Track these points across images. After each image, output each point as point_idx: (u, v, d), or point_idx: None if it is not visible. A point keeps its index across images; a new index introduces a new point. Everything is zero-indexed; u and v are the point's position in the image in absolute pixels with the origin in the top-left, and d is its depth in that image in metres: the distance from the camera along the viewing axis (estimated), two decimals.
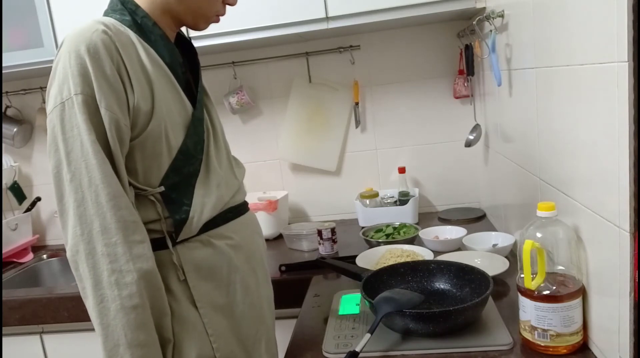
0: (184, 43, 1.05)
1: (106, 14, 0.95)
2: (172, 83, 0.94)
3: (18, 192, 2.14)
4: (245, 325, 1.01)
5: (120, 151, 0.85)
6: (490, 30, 1.35)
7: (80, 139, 0.82)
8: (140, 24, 0.92)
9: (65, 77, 0.84)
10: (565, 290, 0.88)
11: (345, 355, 0.92)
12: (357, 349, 0.92)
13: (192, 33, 1.58)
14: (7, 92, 2.08)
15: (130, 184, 0.89)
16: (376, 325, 0.95)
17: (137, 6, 0.93)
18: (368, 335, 0.94)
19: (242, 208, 1.06)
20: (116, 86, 0.84)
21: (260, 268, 1.08)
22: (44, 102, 2.07)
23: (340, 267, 1.35)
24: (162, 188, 0.91)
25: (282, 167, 2.04)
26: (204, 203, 0.95)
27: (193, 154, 0.95)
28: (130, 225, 0.84)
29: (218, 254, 0.97)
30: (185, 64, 1.00)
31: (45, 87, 2.18)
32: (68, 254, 0.86)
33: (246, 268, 1.02)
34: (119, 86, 0.84)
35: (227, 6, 1.01)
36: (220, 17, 1.02)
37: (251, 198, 1.90)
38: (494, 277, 1.11)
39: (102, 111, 0.83)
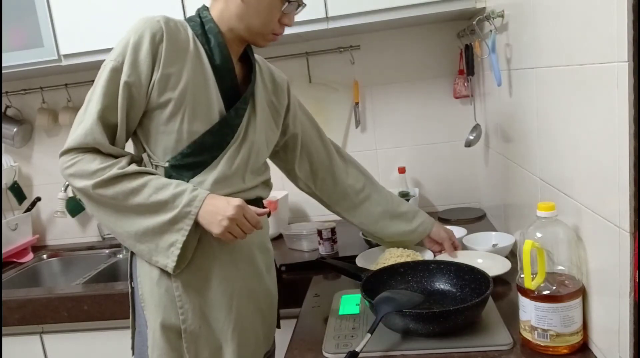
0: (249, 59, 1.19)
1: (187, 19, 1.12)
2: (207, 80, 1.07)
3: (18, 192, 2.14)
4: (216, 310, 1.10)
5: (127, 109, 1.03)
6: (490, 31, 1.35)
7: (96, 93, 1.03)
8: (206, 29, 1.08)
9: (115, 48, 1.04)
10: (565, 290, 0.88)
11: (345, 355, 0.92)
12: (357, 349, 0.92)
13: None
14: (7, 92, 2.08)
15: (143, 147, 1.08)
16: (376, 325, 0.95)
17: (211, 19, 1.09)
18: (368, 335, 0.94)
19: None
20: (144, 64, 1.01)
21: (246, 262, 1.14)
22: (44, 102, 2.08)
23: (340, 267, 1.35)
24: (167, 164, 1.06)
25: None
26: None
27: (209, 149, 1.07)
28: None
29: (198, 240, 1.07)
30: (244, 76, 1.15)
31: (45, 87, 2.20)
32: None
33: (226, 259, 1.10)
34: (148, 64, 1.02)
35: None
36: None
37: None
38: (495, 277, 1.11)
39: (123, 76, 1.01)
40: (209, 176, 1.07)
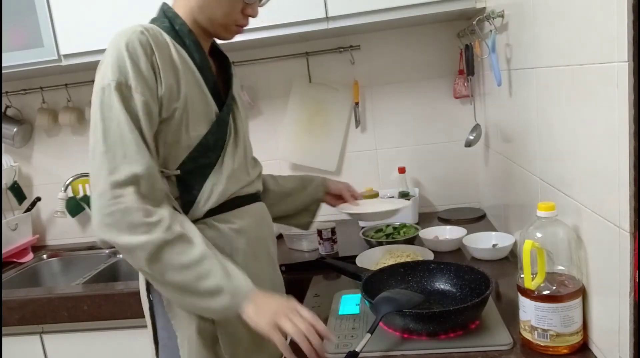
0: (220, 54, 1.17)
1: (152, 22, 1.08)
2: (199, 82, 1.05)
3: (18, 192, 2.14)
4: None
5: (150, 130, 0.97)
6: (490, 31, 1.35)
7: (117, 119, 0.94)
8: (178, 30, 1.05)
9: (106, 68, 0.96)
10: (565, 290, 0.88)
11: (345, 355, 0.92)
12: (357, 349, 0.92)
13: None
14: (7, 92, 2.08)
15: None
16: (376, 325, 0.95)
17: (177, 16, 1.06)
18: (368, 335, 0.94)
19: (250, 199, 1.15)
20: (148, 77, 0.96)
21: (264, 254, 1.16)
22: (44, 102, 2.08)
23: (340, 267, 1.35)
24: (179, 172, 1.04)
25: (282, 167, 2.04)
26: (212, 191, 1.06)
27: (212, 149, 1.06)
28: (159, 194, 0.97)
29: (220, 236, 1.07)
30: (217, 71, 1.12)
31: (45, 87, 2.20)
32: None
33: (248, 251, 1.10)
34: (151, 77, 0.97)
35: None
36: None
37: None
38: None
39: (136, 94, 0.95)
40: (221, 175, 1.07)
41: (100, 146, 0.94)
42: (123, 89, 0.94)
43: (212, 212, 1.07)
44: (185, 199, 1.05)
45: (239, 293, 0.93)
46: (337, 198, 1.43)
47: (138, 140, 0.94)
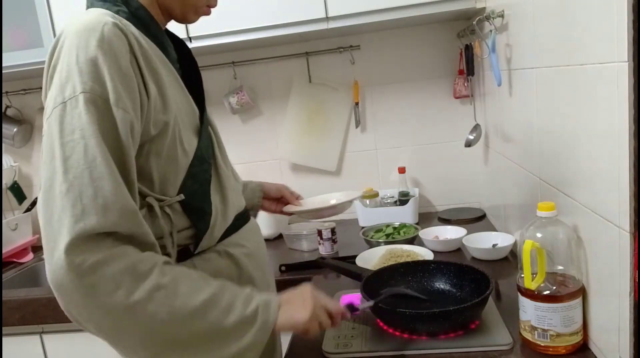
0: (172, 39, 0.97)
1: (92, 4, 0.84)
2: (180, 83, 0.88)
3: (18, 192, 2.14)
4: None
5: (134, 158, 0.75)
6: (490, 31, 1.35)
7: (83, 143, 0.70)
8: (136, 16, 0.83)
9: (69, 74, 0.72)
10: (565, 290, 0.88)
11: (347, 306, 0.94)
12: (359, 307, 0.96)
13: (192, 33, 1.58)
14: (7, 92, 2.08)
15: (145, 195, 0.80)
16: (381, 299, 1.01)
17: None
18: (372, 302, 0.98)
19: (247, 213, 1.04)
20: (132, 85, 0.75)
21: (270, 274, 1.07)
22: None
23: (340, 267, 1.35)
24: (182, 196, 0.84)
25: (282, 167, 2.04)
26: (223, 210, 0.91)
27: (206, 159, 0.89)
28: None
29: (235, 264, 0.93)
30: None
31: None
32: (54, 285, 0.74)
33: (259, 276, 0.99)
34: (134, 84, 0.75)
35: None
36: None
37: None
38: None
39: (117, 111, 0.72)
40: (222, 188, 0.92)
41: (60, 183, 0.69)
42: (98, 104, 0.71)
43: (223, 235, 0.92)
44: (200, 227, 0.86)
45: (269, 308, 0.79)
46: (276, 201, 1.27)
47: (114, 172, 0.70)
